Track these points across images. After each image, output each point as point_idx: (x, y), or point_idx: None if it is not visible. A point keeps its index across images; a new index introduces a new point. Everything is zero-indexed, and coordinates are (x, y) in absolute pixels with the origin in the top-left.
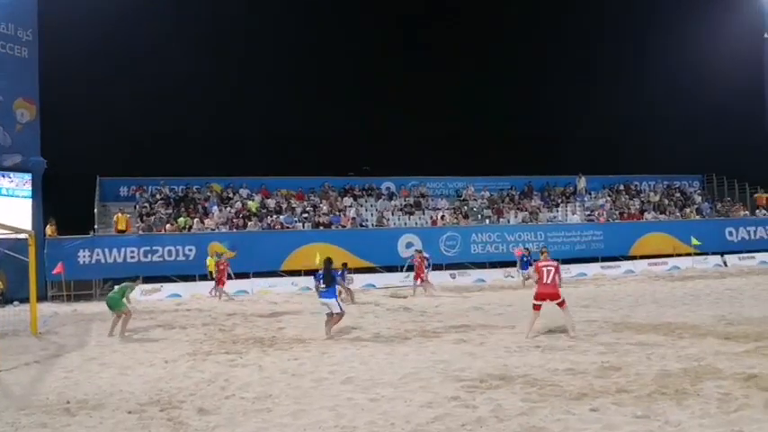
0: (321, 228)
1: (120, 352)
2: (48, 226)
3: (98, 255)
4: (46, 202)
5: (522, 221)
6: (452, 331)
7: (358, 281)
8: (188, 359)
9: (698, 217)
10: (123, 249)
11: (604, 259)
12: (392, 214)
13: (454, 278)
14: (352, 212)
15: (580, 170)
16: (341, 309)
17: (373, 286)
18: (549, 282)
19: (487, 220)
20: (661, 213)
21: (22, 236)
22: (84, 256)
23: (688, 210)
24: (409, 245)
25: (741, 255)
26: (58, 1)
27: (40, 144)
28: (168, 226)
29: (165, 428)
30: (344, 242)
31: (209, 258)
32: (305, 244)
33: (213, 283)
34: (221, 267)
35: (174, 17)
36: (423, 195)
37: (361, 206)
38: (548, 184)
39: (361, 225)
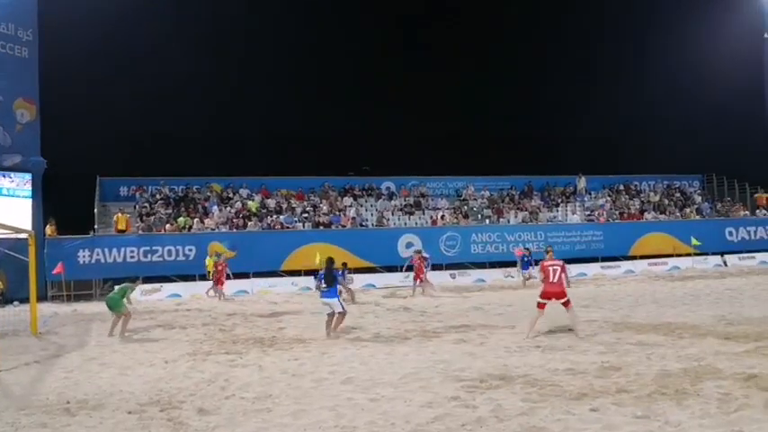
0: (321, 228)
1: (120, 352)
2: (48, 226)
3: (98, 255)
4: (46, 202)
5: (522, 221)
6: (452, 331)
7: (358, 281)
8: (188, 359)
9: (698, 217)
10: (123, 249)
11: (604, 259)
12: (392, 214)
13: (454, 278)
14: (352, 212)
15: (580, 170)
16: (343, 308)
17: (373, 286)
18: (555, 281)
19: (487, 220)
20: (661, 213)
21: (22, 236)
22: (84, 256)
23: (688, 210)
24: (409, 245)
25: (741, 255)
26: (58, 1)
27: (40, 144)
28: (168, 226)
29: (165, 428)
30: (344, 242)
31: (208, 258)
32: (305, 244)
33: (211, 283)
34: (219, 268)
35: (174, 17)
36: (423, 195)
37: (361, 206)
38: (548, 184)
39: (361, 225)
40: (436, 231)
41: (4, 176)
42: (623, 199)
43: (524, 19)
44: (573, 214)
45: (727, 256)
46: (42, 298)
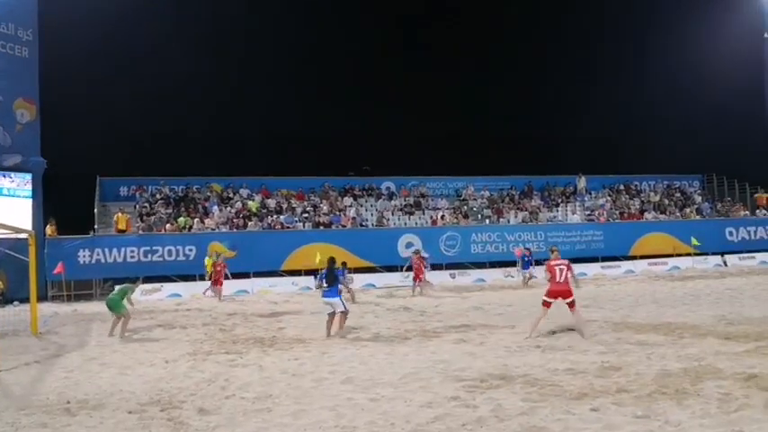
0: (321, 228)
1: (121, 352)
2: (48, 226)
3: (98, 255)
4: (46, 202)
5: (522, 221)
6: (452, 331)
7: (358, 281)
8: (188, 359)
9: (698, 217)
10: (123, 249)
11: (604, 259)
12: (392, 214)
13: (454, 278)
14: (352, 212)
15: (580, 170)
16: (345, 307)
17: (373, 286)
18: (561, 280)
19: (487, 220)
20: (661, 213)
21: (23, 236)
22: (84, 256)
23: (688, 210)
24: (409, 245)
25: (741, 255)
26: (58, 1)
27: (40, 144)
28: (168, 226)
29: (165, 428)
30: (344, 242)
31: (207, 258)
32: (305, 244)
33: (209, 283)
34: (218, 268)
35: (174, 17)
36: (423, 195)
37: (362, 206)
38: (548, 184)
39: (362, 225)
40: (436, 231)
41: (4, 176)
42: (623, 199)
43: (524, 19)
44: (573, 214)
45: (727, 256)
46: (42, 298)
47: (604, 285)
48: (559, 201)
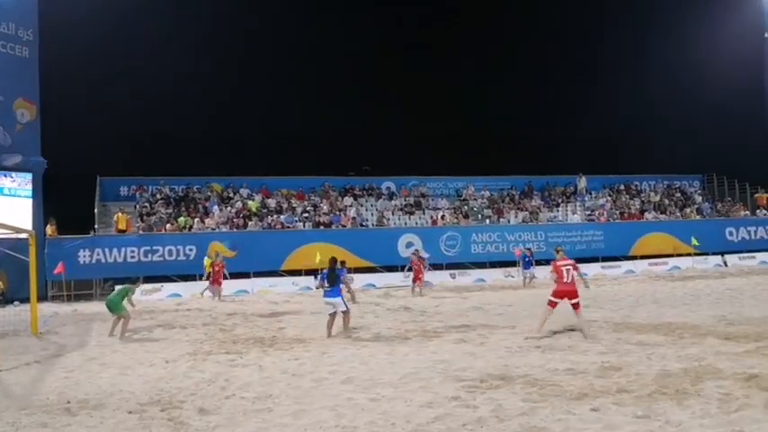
0: (321, 227)
1: (121, 352)
2: (48, 226)
3: (98, 254)
4: (46, 201)
5: (523, 221)
6: (453, 331)
7: (358, 281)
8: (188, 359)
9: (698, 217)
10: (123, 249)
11: (605, 259)
12: (392, 214)
13: (454, 278)
14: (352, 212)
15: (580, 170)
16: (346, 307)
17: (373, 286)
18: (568, 281)
19: (488, 220)
20: (661, 213)
21: (23, 236)
22: (84, 256)
23: (688, 210)
24: (409, 245)
25: (741, 255)
26: (58, 1)
27: (41, 144)
28: (168, 226)
29: (165, 428)
30: (345, 242)
31: (206, 258)
32: (305, 244)
33: (206, 283)
34: (217, 268)
35: (174, 17)
36: (423, 195)
37: (362, 206)
38: (548, 184)
39: (362, 225)
40: (436, 231)
41: (4, 176)
42: (623, 199)
43: (524, 19)
44: (573, 214)
45: (727, 256)
46: (43, 298)
47: (604, 285)
48: (560, 201)
